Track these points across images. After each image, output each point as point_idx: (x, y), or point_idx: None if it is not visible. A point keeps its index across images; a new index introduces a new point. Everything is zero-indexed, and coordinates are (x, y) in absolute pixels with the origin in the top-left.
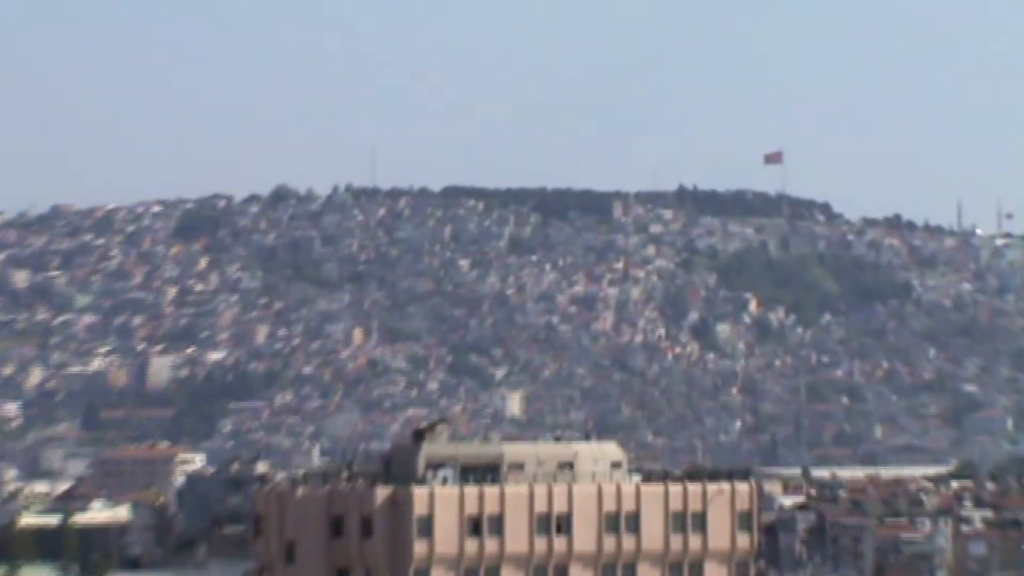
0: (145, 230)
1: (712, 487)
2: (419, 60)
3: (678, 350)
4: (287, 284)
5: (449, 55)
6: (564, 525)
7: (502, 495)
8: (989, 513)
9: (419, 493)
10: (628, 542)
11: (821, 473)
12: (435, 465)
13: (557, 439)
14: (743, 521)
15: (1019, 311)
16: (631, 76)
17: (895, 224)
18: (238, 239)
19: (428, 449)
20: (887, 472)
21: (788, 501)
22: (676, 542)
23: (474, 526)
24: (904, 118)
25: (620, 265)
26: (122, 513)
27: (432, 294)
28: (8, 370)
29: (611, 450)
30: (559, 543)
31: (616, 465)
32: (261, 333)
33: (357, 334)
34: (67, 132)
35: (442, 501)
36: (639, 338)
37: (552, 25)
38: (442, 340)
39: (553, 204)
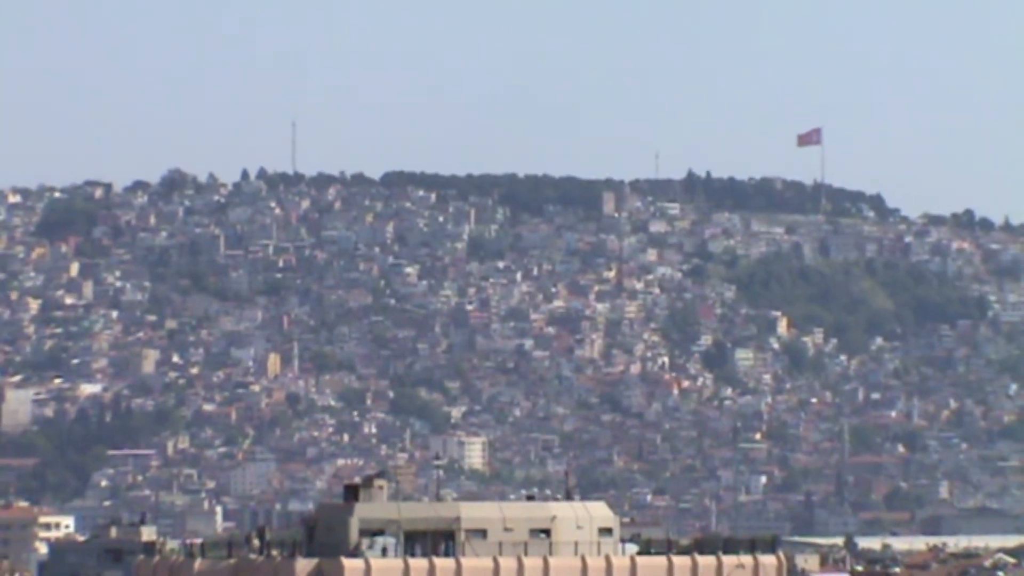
0: None
1: (730, 561)
2: (351, 11)
3: (686, 384)
4: (182, 297)
5: (391, 4)
6: None
7: (458, 570)
8: None
9: (351, 567)
10: None
11: (870, 544)
12: (372, 531)
13: (530, 498)
14: None
15: None
16: (627, 36)
17: (966, 223)
18: (119, 239)
19: (363, 510)
20: (955, 542)
21: None
22: None
23: None
24: (976, 88)
25: (612, 274)
26: None
27: (369, 310)
28: None
29: (599, 512)
30: None
31: (605, 531)
32: (149, 360)
33: (273, 362)
34: None
35: None
36: (636, 368)
37: None
38: (382, 370)
39: (526, 195)
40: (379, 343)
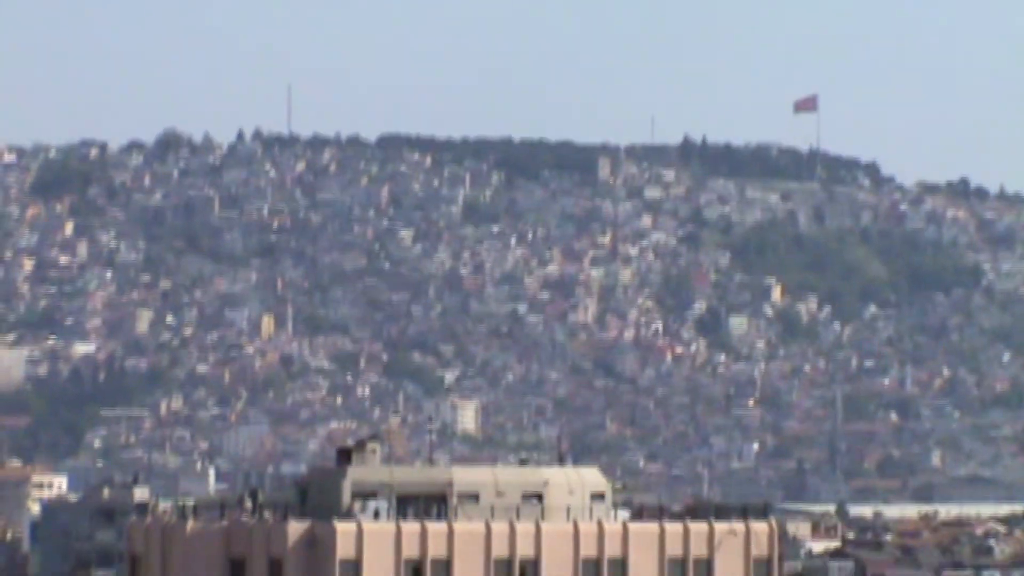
0: None
1: (721, 527)
2: None
3: (680, 350)
4: (177, 258)
5: None
6: (530, 574)
7: (450, 534)
8: None
9: (343, 530)
10: None
11: (861, 511)
12: (365, 494)
13: (522, 462)
14: (760, 571)
15: None
16: (624, 1)
17: (961, 191)
18: (114, 199)
19: (356, 473)
20: (946, 511)
21: (819, 546)
22: None
23: (414, 573)
24: (974, 53)
25: (606, 239)
26: None
27: (363, 273)
28: None
29: (592, 477)
30: None
31: (598, 497)
32: (143, 320)
33: (267, 323)
34: None
35: (373, 540)
36: (629, 334)
37: None
38: (376, 333)
39: (521, 159)
40: (373, 306)
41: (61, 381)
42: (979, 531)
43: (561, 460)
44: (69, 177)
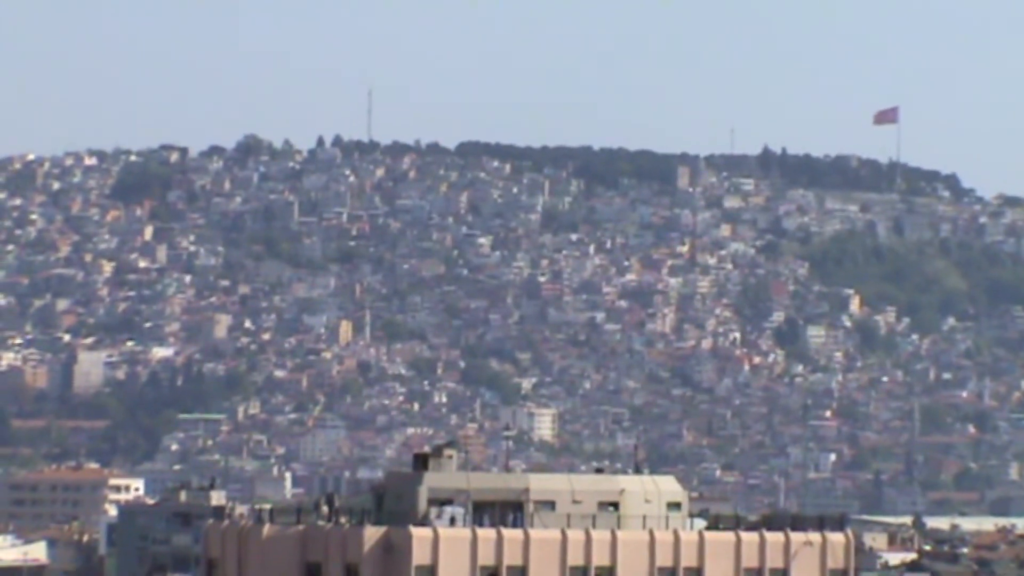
0: (75, 188)
1: (797, 538)
2: None
3: (757, 360)
4: (256, 263)
5: None
6: None
7: (526, 541)
8: None
9: (419, 536)
10: None
11: (938, 523)
12: (441, 500)
13: (598, 471)
14: None
15: None
16: (707, 11)
17: None
18: (194, 203)
19: (432, 480)
20: None
21: (895, 558)
22: None
23: None
24: None
25: (685, 248)
26: (36, 553)
27: (442, 280)
28: None
29: (668, 487)
30: None
31: (674, 506)
32: (221, 325)
33: (345, 329)
34: None
35: (449, 547)
36: (707, 343)
37: None
38: (453, 340)
39: (600, 168)
40: (451, 313)
41: (139, 385)
42: None
43: (637, 469)
44: (149, 181)
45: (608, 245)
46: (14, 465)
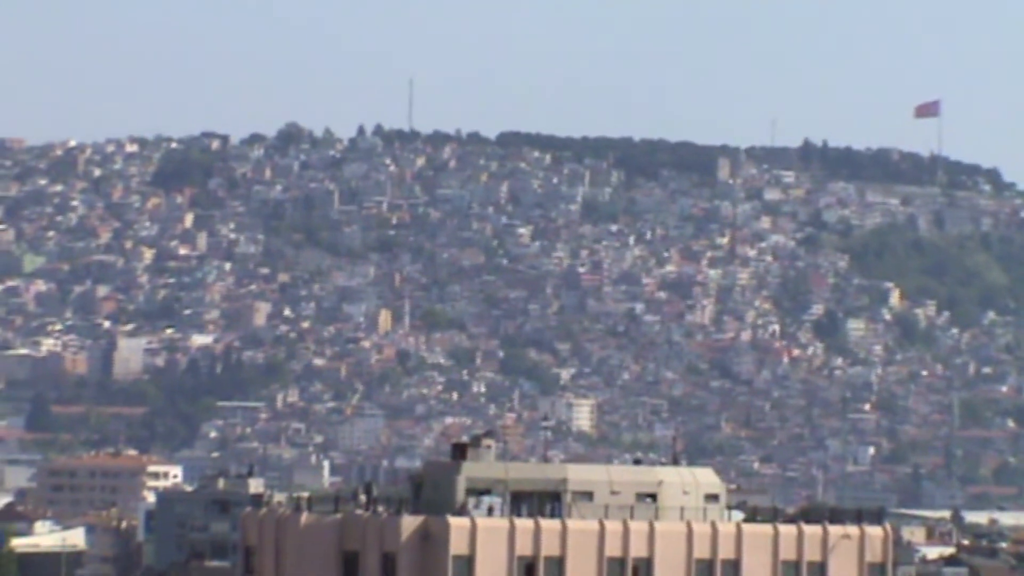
0: (115, 175)
1: (835, 531)
2: None
3: (796, 353)
4: (296, 251)
5: None
6: (643, 574)
7: (564, 532)
8: None
9: (457, 525)
10: None
11: (977, 518)
12: (479, 490)
13: (637, 462)
14: None
15: None
16: (747, 4)
17: None
18: (234, 191)
19: (470, 469)
20: None
21: (933, 552)
22: None
23: (527, 571)
24: None
25: (725, 240)
26: (74, 539)
27: (481, 270)
28: None
29: (706, 478)
30: None
31: (712, 498)
32: (260, 313)
33: (384, 318)
34: (17, 49)
35: (486, 537)
36: (746, 335)
37: None
38: (492, 330)
39: (641, 159)
40: (490, 303)
41: (178, 372)
42: None
43: (676, 460)
44: (190, 169)
45: (648, 236)
46: (53, 451)
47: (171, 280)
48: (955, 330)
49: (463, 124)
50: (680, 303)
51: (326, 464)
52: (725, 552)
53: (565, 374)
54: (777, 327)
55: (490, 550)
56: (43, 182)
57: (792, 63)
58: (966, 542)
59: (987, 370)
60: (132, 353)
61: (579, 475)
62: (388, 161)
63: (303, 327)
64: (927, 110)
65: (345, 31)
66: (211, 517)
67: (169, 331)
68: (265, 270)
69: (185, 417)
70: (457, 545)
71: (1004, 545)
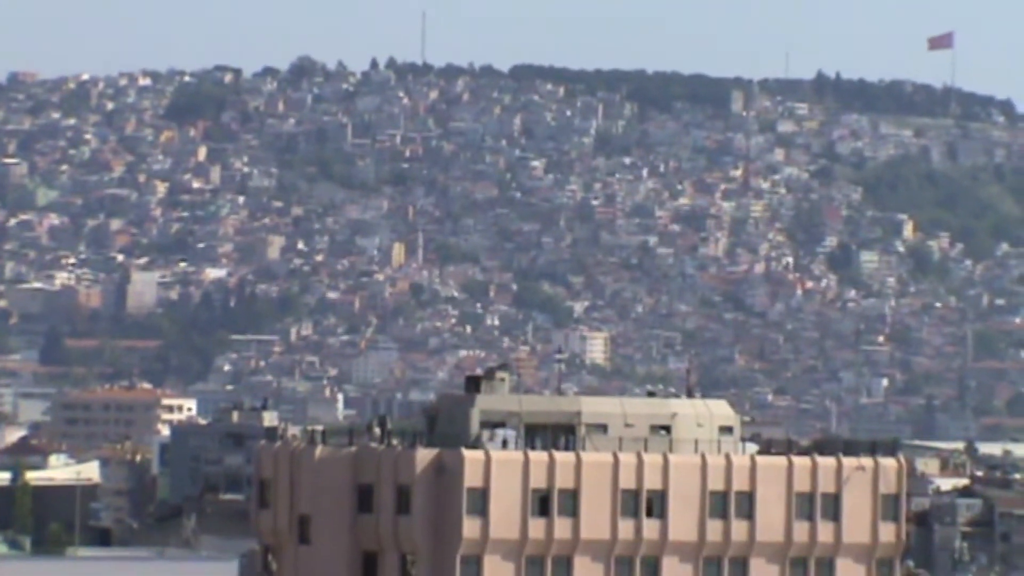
0: (128, 109)
1: (849, 463)
2: None
3: (810, 285)
4: (309, 184)
5: None
6: (657, 506)
7: (578, 464)
8: None
9: (471, 458)
10: (738, 530)
11: (991, 449)
12: (493, 423)
13: (651, 394)
14: (888, 508)
15: None
16: None
17: None
18: (247, 124)
19: (484, 402)
20: None
21: (947, 484)
22: (800, 532)
23: (541, 503)
24: None
25: (739, 172)
26: (89, 472)
27: (495, 203)
28: None
29: (720, 411)
30: (649, 528)
31: (726, 430)
32: (274, 246)
33: (398, 251)
34: None
35: (501, 469)
36: (760, 268)
37: None
38: (506, 263)
39: (654, 92)
40: (503, 236)
41: (192, 305)
42: None
43: (689, 393)
44: (203, 102)
45: (661, 169)
46: (67, 384)
47: (184, 214)
48: (968, 262)
49: (476, 57)
50: (694, 235)
51: (340, 397)
52: (739, 484)
53: (579, 307)
54: (791, 259)
55: (504, 483)
56: (56, 116)
57: None
58: (980, 473)
59: (1000, 302)
60: (146, 287)
61: (593, 408)
62: (401, 94)
63: (317, 260)
64: (940, 42)
65: None
66: (225, 450)
67: (183, 265)
68: (279, 203)
69: (199, 350)
70: (471, 478)
71: (1018, 476)
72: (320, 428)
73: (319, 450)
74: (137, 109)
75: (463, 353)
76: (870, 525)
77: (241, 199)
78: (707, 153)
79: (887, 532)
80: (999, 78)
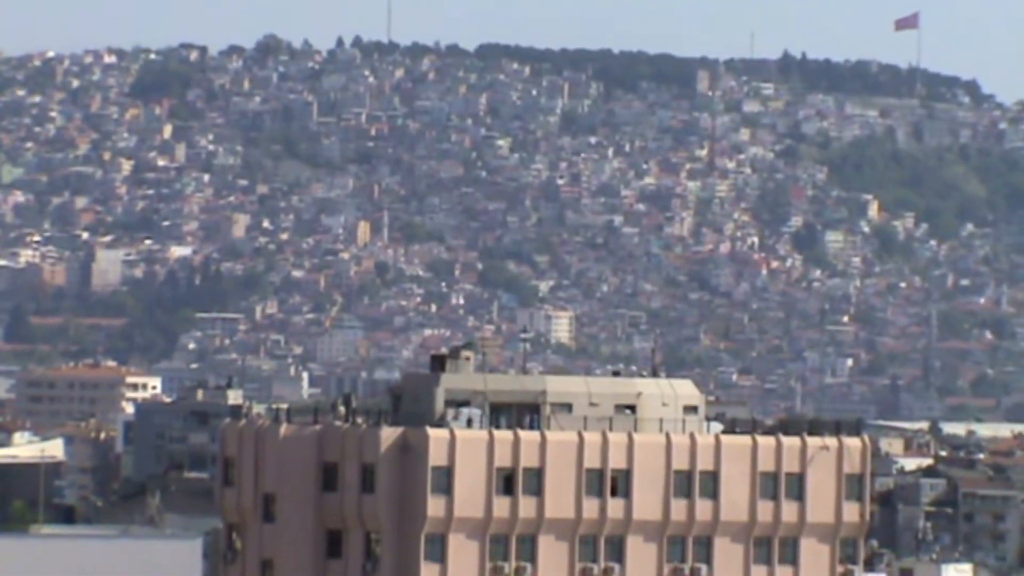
0: (94, 86)
1: (814, 442)
2: None
3: (775, 264)
4: (274, 163)
5: None
6: (621, 485)
7: (543, 443)
8: None
9: (436, 437)
10: (703, 509)
11: (955, 429)
12: (458, 402)
13: (615, 374)
14: (852, 487)
15: None
16: None
17: None
18: (212, 102)
19: (449, 381)
20: None
21: (911, 463)
22: (765, 511)
23: (505, 482)
24: None
25: (704, 152)
26: (53, 450)
27: (460, 181)
28: None
29: (685, 390)
30: (614, 507)
31: (691, 410)
32: (239, 225)
33: (363, 230)
34: None
35: (465, 448)
36: (725, 247)
37: None
38: (471, 242)
39: (620, 71)
40: (469, 215)
41: (157, 283)
42: None
43: (654, 372)
44: (169, 80)
45: (627, 148)
46: (32, 362)
47: (149, 192)
48: (933, 242)
49: (442, 36)
50: (659, 215)
51: (305, 376)
52: (704, 464)
53: (544, 286)
54: (756, 239)
55: (469, 461)
56: (21, 93)
57: None
58: (944, 453)
59: (965, 282)
60: (111, 264)
61: (558, 387)
62: (367, 73)
63: (282, 239)
64: (906, 22)
65: None
66: (190, 428)
67: (147, 242)
68: (244, 182)
69: (164, 329)
70: (436, 456)
71: (982, 456)
72: (285, 406)
73: (284, 428)
74: (102, 87)
75: (428, 332)
76: (834, 505)
77: (206, 177)
78: (672, 133)
79: (851, 512)
80: (965, 59)
